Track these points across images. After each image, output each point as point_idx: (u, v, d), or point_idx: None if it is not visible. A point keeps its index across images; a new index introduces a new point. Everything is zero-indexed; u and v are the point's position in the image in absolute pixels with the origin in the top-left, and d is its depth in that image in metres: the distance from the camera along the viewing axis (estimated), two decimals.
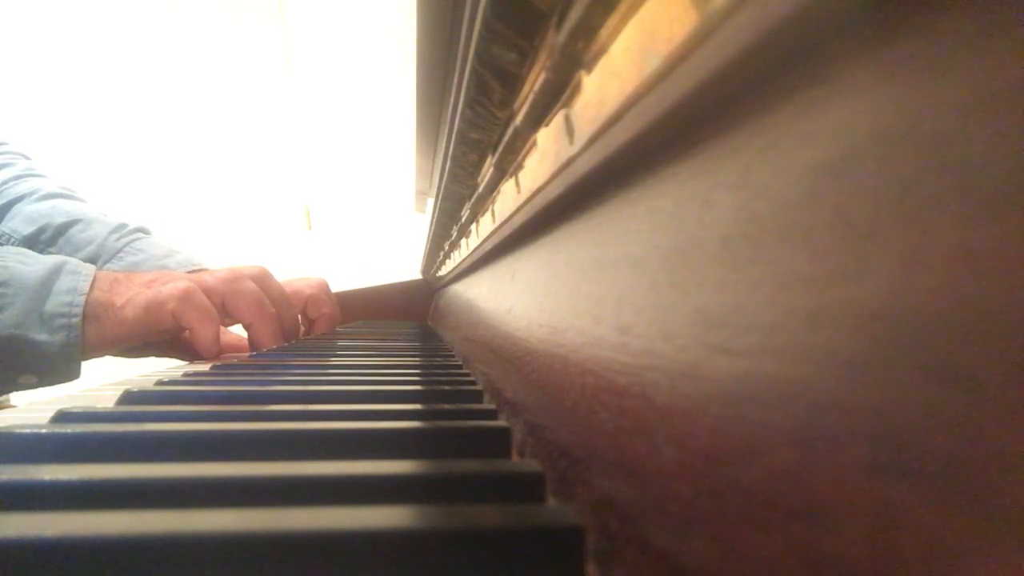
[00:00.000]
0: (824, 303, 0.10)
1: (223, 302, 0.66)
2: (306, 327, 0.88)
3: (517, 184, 0.33)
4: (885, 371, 0.09)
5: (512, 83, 0.28)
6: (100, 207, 0.88)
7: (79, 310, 0.60)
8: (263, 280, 0.71)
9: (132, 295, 0.62)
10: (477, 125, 0.35)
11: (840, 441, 0.09)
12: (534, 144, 0.29)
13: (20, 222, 0.81)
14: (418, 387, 0.37)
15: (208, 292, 0.65)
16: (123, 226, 0.83)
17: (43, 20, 2.25)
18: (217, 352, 0.66)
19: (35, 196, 0.83)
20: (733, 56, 0.13)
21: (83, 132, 2.25)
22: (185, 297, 0.62)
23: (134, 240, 0.81)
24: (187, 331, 0.64)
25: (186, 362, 0.67)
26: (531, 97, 0.26)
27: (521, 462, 0.24)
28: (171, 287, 0.63)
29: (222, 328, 0.72)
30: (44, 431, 0.24)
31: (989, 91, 0.08)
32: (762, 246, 0.12)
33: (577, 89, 0.21)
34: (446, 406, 0.32)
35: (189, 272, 0.72)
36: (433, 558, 0.15)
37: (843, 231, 0.10)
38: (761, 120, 0.13)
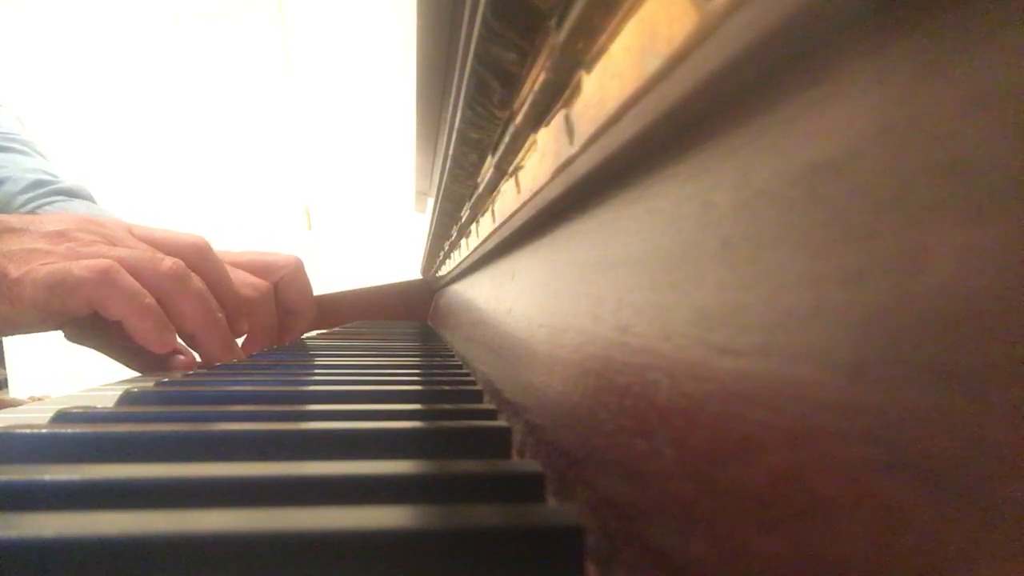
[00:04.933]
0: (824, 303, 0.10)
1: (159, 300, 0.49)
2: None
3: (517, 184, 0.33)
4: (885, 371, 0.09)
5: (512, 83, 0.28)
6: (56, 166, 0.71)
7: None
8: (205, 262, 0.53)
9: (32, 266, 0.46)
10: (477, 125, 0.35)
11: (840, 441, 0.09)
12: (534, 144, 0.28)
13: None
14: (418, 387, 0.37)
15: (141, 279, 0.48)
16: (40, 183, 0.64)
17: (43, 19, 2.25)
18: (170, 344, 0.49)
19: None
20: (733, 56, 0.13)
21: (82, 132, 2.25)
22: (104, 280, 0.46)
23: (47, 204, 0.63)
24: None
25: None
26: (531, 97, 0.26)
27: (521, 462, 0.24)
28: (88, 263, 0.46)
29: None
30: (44, 431, 0.24)
31: (989, 91, 0.08)
32: (762, 246, 0.12)
33: (577, 89, 0.21)
34: (446, 406, 0.32)
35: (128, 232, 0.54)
36: (433, 558, 0.15)
37: (843, 231, 0.10)
38: (761, 120, 0.13)
